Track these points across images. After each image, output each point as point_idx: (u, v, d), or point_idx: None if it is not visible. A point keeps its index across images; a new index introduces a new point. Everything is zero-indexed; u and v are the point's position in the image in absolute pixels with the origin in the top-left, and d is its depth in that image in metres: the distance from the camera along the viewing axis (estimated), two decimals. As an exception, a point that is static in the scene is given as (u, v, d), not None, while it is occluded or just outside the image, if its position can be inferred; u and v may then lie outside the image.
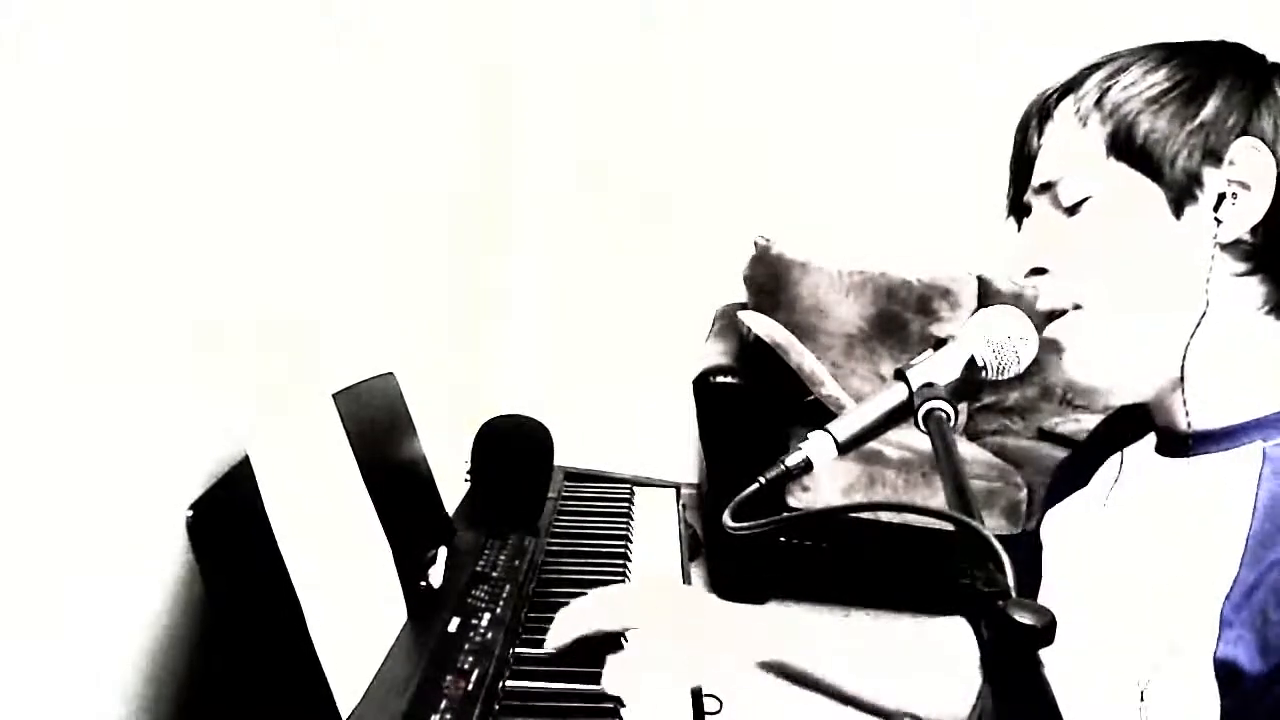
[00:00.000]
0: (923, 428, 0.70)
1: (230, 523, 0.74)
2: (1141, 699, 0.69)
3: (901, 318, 3.18)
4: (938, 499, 2.60)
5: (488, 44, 2.53)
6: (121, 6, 0.69)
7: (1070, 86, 0.76)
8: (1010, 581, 0.50)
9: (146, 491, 0.76)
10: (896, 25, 3.23)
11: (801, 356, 2.71)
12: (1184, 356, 0.71)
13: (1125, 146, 0.71)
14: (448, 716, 0.81)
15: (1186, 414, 0.73)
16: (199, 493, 0.74)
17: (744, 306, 3.13)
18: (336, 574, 0.84)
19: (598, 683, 0.88)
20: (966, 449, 2.90)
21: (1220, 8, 2.55)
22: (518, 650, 0.97)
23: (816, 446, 0.73)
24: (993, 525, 2.61)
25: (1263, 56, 0.73)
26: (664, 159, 3.32)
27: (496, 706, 0.87)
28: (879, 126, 3.28)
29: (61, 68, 0.63)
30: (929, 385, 0.72)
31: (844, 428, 0.74)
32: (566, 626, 0.83)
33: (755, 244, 3.19)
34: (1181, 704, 0.65)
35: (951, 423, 0.70)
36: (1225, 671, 0.63)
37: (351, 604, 0.85)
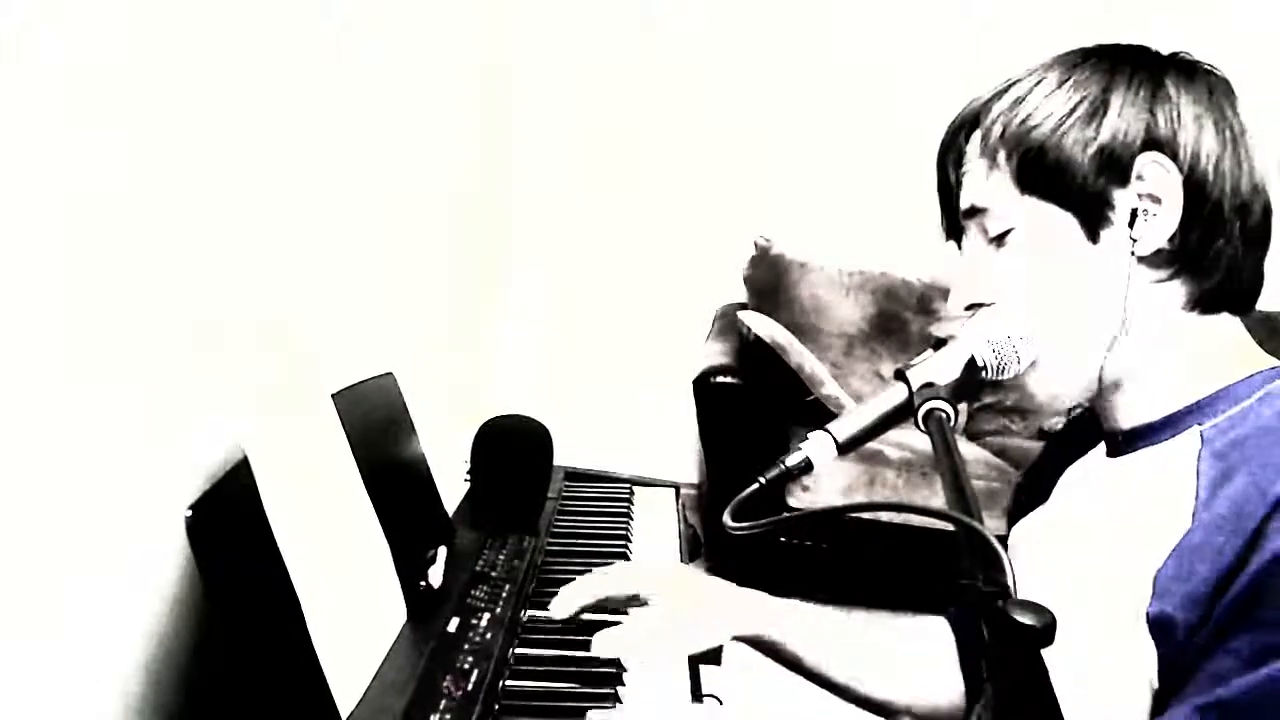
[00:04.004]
0: (923, 428, 0.70)
1: (229, 523, 0.73)
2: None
3: (901, 318, 3.18)
4: (938, 499, 2.60)
5: (488, 44, 2.53)
6: (121, 7, 0.69)
7: (976, 119, 0.78)
8: (1010, 581, 0.51)
9: (146, 492, 0.76)
10: (896, 25, 3.23)
11: (801, 356, 2.71)
12: (1100, 369, 0.74)
13: (1033, 181, 0.74)
14: (447, 717, 0.81)
15: (1124, 414, 0.76)
16: (198, 493, 0.74)
17: (744, 306, 3.12)
18: (336, 574, 0.84)
19: (595, 666, 0.90)
20: (966, 449, 2.90)
21: None
22: (531, 614, 0.97)
23: (816, 446, 0.73)
24: (993, 525, 2.59)
25: (1157, 54, 0.75)
26: (664, 159, 3.32)
27: (496, 707, 0.87)
28: (879, 126, 3.27)
29: (61, 68, 0.63)
30: (929, 385, 0.72)
31: (844, 428, 0.74)
32: (572, 597, 0.87)
33: (755, 244, 3.19)
34: (1122, 663, 0.67)
35: (951, 423, 0.71)
36: (1158, 625, 0.65)
37: (351, 604, 0.85)
